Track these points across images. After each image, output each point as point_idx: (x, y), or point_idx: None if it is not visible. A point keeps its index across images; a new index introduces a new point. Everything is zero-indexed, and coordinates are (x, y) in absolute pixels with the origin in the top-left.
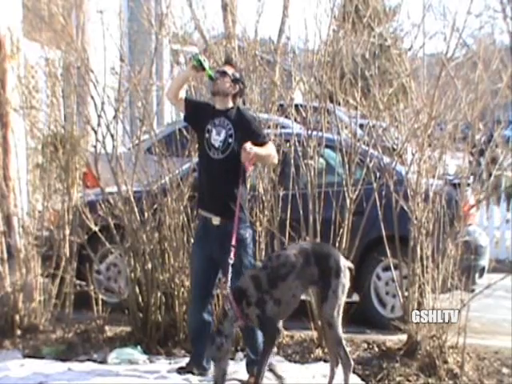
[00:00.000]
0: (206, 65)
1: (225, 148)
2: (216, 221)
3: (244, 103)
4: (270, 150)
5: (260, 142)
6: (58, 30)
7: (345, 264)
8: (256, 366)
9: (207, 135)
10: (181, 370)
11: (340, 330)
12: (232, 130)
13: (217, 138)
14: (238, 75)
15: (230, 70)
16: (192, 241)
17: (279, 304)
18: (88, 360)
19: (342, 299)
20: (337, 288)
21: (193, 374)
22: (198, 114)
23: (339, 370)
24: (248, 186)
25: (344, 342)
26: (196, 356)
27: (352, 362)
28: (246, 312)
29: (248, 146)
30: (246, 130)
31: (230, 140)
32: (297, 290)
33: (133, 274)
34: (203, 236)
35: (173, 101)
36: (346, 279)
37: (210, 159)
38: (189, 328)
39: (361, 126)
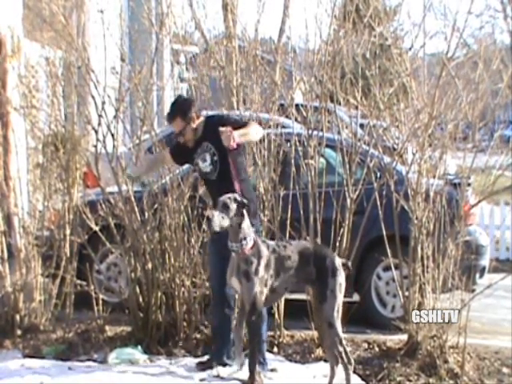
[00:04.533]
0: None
1: (214, 167)
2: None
3: (244, 103)
4: (249, 127)
5: (240, 125)
6: (59, 29)
7: (340, 263)
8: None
9: (197, 167)
10: (201, 366)
11: (340, 329)
12: (212, 147)
13: (204, 164)
14: (182, 112)
15: (176, 122)
16: (192, 241)
17: (273, 292)
18: (88, 360)
19: (340, 298)
20: (334, 287)
21: (211, 368)
22: (183, 157)
23: (339, 369)
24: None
25: (344, 342)
26: (217, 352)
27: (353, 361)
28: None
29: (223, 128)
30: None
31: (215, 158)
32: (292, 285)
33: (133, 274)
34: (215, 236)
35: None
36: (342, 278)
37: (208, 182)
38: (211, 324)
39: (361, 125)
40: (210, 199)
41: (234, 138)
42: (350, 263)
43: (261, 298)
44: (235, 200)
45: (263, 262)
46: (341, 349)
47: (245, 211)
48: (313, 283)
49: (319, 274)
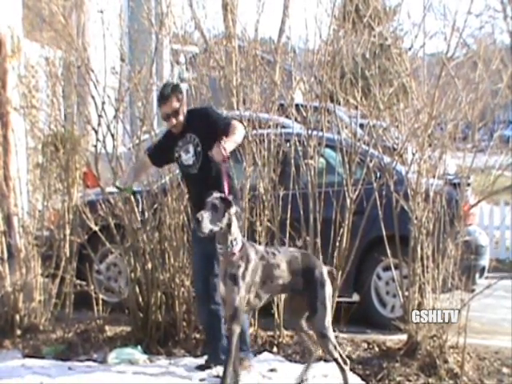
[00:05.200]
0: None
1: (197, 159)
2: None
3: (244, 103)
4: (235, 133)
5: (223, 127)
6: (59, 29)
7: (326, 272)
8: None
9: (179, 160)
10: (201, 367)
11: (333, 337)
12: (196, 138)
13: (187, 156)
14: (178, 91)
15: (171, 103)
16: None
17: (256, 297)
18: (88, 360)
19: (330, 307)
20: (324, 299)
21: (210, 368)
22: (164, 154)
23: (336, 369)
24: (235, 179)
25: (338, 347)
26: (213, 351)
27: (348, 361)
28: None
29: (217, 146)
30: (206, 125)
31: (199, 149)
32: (277, 292)
33: (133, 274)
34: (200, 235)
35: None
36: (330, 287)
37: (189, 176)
38: (201, 323)
39: (361, 125)
40: (190, 197)
41: (225, 148)
42: (334, 270)
43: (243, 305)
44: (221, 199)
45: (250, 267)
46: (336, 355)
47: (233, 212)
48: (300, 293)
49: (307, 285)
